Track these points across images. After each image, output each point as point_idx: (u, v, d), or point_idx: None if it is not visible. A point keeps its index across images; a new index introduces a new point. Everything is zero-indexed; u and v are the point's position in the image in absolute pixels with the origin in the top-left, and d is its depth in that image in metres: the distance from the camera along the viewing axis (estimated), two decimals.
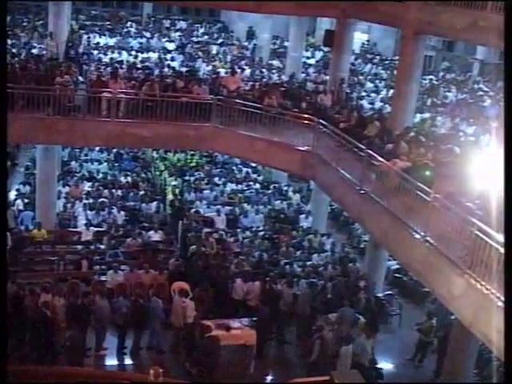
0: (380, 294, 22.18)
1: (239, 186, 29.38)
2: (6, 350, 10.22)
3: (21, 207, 25.26)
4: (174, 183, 28.76)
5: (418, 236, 14.11)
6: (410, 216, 14.71)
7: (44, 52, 30.01)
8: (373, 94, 33.27)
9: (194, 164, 31.65)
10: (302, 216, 27.23)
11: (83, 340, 17.65)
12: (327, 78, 28.69)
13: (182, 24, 45.74)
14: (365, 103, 30.32)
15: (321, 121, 20.09)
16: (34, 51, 32.47)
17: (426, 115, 28.69)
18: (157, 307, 18.33)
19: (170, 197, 27.50)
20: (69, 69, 23.47)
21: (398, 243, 15.42)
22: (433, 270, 13.59)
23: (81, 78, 25.30)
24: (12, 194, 27.12)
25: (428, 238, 13.71)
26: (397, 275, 24.24)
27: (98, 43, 36.81)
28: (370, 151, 17.17)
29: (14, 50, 31.99)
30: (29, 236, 23.08)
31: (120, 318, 18.21)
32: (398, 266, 23.96)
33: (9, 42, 35.51)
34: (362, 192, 16.78)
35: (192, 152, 31.33)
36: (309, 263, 23.07)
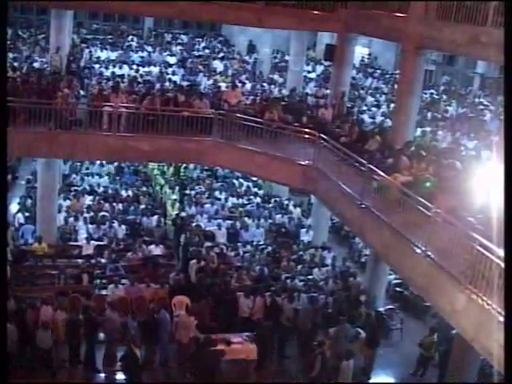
0: (381, 309, 22.15)
1: (240, 200, 29.36)
2: (6, 354, 10.20)
3: (21, 221, 25.22)
4: (174, 197, 28.78)
5: (419, 250, 14.07)
6: (411, 230, 14.67)
7: (46, 66, 30.15)
8: (374, 108, 33.39)
9: (184, 177, 31.72)
10: (303, 230, 27.20)
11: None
12: (328, 92, 28.75)
13: (183, 38, 45.98)
14: (366, 117, 30.41)
15: (322, 135, 20.09)
16: (36, 65, 32.63)
17: (427, 129, 28.74)
18: (164, 320, 18.24)
19: (170, 211, 27.49)
20: (70, 83, 23.52)
21: (399, 258, 15.37)
22: (434, 284, 13.56)
23: (82, 92, 25.36)
24: (13, 208, 27.15)
25: (429, 253, 13.66)
26: (398, 289, 24.22)
27: (99, 57, 37.00)
28: (371, 165, 17.15)
29: (15, 64, 32.12)
30: (29, 250, 23.09)
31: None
32: (398, 281, 23.94)
33: (10, 55, 35.71)
34: (363, 206, 16.75)
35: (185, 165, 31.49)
36: (310, 277, 23.04)
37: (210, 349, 16.91)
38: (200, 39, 46.47)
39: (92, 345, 18.17)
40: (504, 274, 9.62)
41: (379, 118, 31.12)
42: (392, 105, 31.13)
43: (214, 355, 16.96)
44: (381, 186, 16.71)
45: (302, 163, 20.46)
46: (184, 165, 31.30)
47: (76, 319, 17.84)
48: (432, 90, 39.37)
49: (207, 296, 19.75)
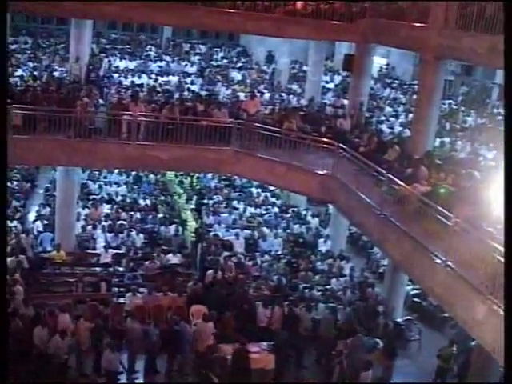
0: (399, 319, 22.04)
1: (258, 210, 29.37)
2: (7, 353, 10.21)
3: (40, 228, 25.36)
4: (192, 206, 28.83)
5: (438, 260, 14.01)
6: (431, 240, 14.61)
7: (65, 75, 30.34)
8: (392, 119, 33.30)
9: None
10: (321, 240, 27.17)
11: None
12: (346, 102, 28.72)
13: (202, 48, 46.11)
14: (384, 127, 30.34)
15: (340, 145, 20.07)
16: (56, 74, 32.83)
17: (446, 139, 28.65)
18: (184, 330, 18.24)
19: (188, 220, 27.52)
20: (90, 91, 23.64)
21: (418, 268, 15.29)
22: (454, 295, 13.49)
23: (101, 101, 25.47)
24: (31, 216, 27.29)
25: (449, 263, 13.60)
26: (416, 300, 24.08)
27: (118, 66, 37.19)
28: (390, 175, 17.11)
29: (35, 73, 32.38)
30: (48, 257, 23.16)
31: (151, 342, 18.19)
32: (417, 291, 23.83)
33: (31, 64, 36.07)
34: (382, 216, 16.70)
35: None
36: (328, 288, 22.98)
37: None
38: (218, 49, 46.62)
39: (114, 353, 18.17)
40: (504, 274, 9.58)
41: (398, 128, 31.06)
42: (410, 115, 31.08)
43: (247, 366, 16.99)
44: (400, 196, 16.66)
45: (321, 173, 20.43)
46: (197, 174, 31.40)
47: (97, 327, 17.82)
48: (450, 101, 39.24)
49: (225, 305, 19.72)
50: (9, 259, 21.56)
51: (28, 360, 17.17)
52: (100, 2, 23.17)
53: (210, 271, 22.35)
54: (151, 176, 32.54)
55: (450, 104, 38.28)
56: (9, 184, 29.97)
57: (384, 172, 17.44)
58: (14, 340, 16.84)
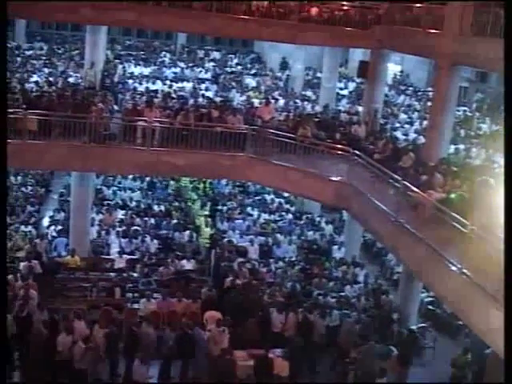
0: (413, 327, 21.93)
1: (272, 216, 29.37)
2: (6, 353, 10.24)
3: (54, 234, 25.42)
4: (206, 212, 28.86)
5: (454, 268, 13.94)
6: (446, 247, 14.56)
7: (80, 81, 30.47)
8: (406, 125, 33.25)
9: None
10: (335, 247, 27.14)
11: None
12: (360, 108, 28.71)
13: (216, 54, 46.19)
14: (399, 134, 30.28)
15: (355, 151, 20.06)
16: (71, 80, 32.98)
17: (461, 146, 28.57)
18: (199, 336, 18.24)
19: (202, 226, 27.55)
20: (104, 97, 23.74)
21: (433, 275, 15.23)
22: (469, 302, 13.41)
23: (116, 107, 25.57)
24: (46, 221, 27.38)
25: (464, 270, 13.54)
26: (430, 308, 24.01)
27: (132, 73, 37.28)
28: (405, 182, 17.07)
29: (51, 79, 32.52)
30: (62, 262, 23.23)
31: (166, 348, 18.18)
32: (431, 299, 23.76)
33: (46, 70, 36.26)
34: (397, 223, 16.66)
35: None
36: (342, 294, 22.93)
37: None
38: (232, 55, 46.69)
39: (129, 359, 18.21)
40: (504, 274, 9.55)
41: (412, 135, 30.99)
42: (425, 122, 30.99)
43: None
44: (415, 203, 16.62)
45: (335, 179, 20.41)
46: (209, 180, 31.47)
47: (112, 333, 17.84)
48: (465, 107, 39.14)
49: (239, 311, 19.72)
50: (22, 264, 21.74)
51: (50, 367, 17.25)
52: (115, 9, 23.33)
53: (228, 278, 22.35)
54: (171, 182, 32.56)
55: (464, 111, 38.19)
56: (23, 189, 30.21)
57: (399, 179, 17.41)
58: (36, 347, 17.00)
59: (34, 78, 34.37)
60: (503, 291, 9.51)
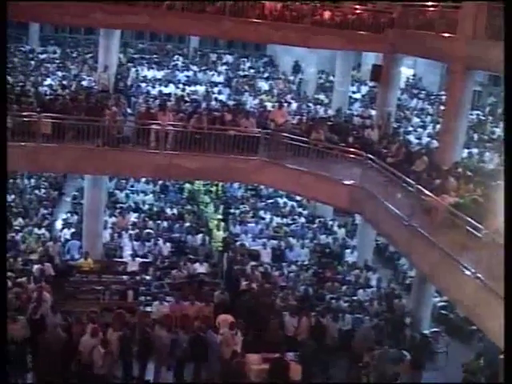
0: (426, 331, 21.87)
1: (284, 220, 29.35)
2: (6, 354, 10.28)
3: (67, 236, 25.47)
4: (219, 216, 28.87)
5: (468, 272, 13.90)
6: (460, 252, 14.52)
7: (94, 84, 30.56)
8: (419, 129, 33.19)
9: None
10: (348, 251, 27.10)
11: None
12: (373, 112, 28.66)
13: (229, 58, 46.16)
14: (412, 138, 30.24)
15: (368, 155, 20.05)
16: (84, 83, 33.08)
17: (474, 151, 28.51)
18: (212, 339, 18.24)
19: (215, 230, 27.56)
20: (118, 101, 23.80)
21: (447, 279, 15.19)
22: (484, 307, 13.36)
23: (129, 110, 25.62)
24: (59, 224, 27.45)
25: (478, 275, 13.49)
26: (443, 312, 23.93)
27: (145, 76, 37.36)
28: (418, 186, 17.04)
29: (64, 82, 32.64)
30: (75, 265, 23.30)
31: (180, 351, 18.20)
32: (444, 303, 23.69)
33: (59, 73, 36.39)
34: (411, 227, 16.62)
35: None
36: (354, 298, 22.90)
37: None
38: (245, 59, 46.68)
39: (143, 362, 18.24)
40: (504, 274, 9.47)
41: (425, 139, 30.93)
42: (438, 126, 30.93)
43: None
44: (429, 207, 16.58)
45: (348, 183, 20.42)
46: (222, 184, 31.49)
47: (125, 336, 17.85)
48: (478, 111, 39.01)
49: (252, 315, 19.71)
50: (36, 266, 21.81)
51: (70, 369, 17.29)
52: (129, 13, 23.42)
53: (242, 282, 22.35)
54: (187, 185, 32.63)
55: (477, 115, 38.07)
56: (37, 192, 30.31)
57: (412, 183, 17.38)
58: (53, 349, 17.01)
59: (48, 81, 34.53)
60: (504, 291, 9.45)
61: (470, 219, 14.44)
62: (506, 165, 9.25)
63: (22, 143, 19.94)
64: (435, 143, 27.14)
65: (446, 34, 21.45)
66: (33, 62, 40.20)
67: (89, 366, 16.93)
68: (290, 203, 30.97)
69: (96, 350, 16.83)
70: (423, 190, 16.89)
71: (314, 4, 26.15)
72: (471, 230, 14.19)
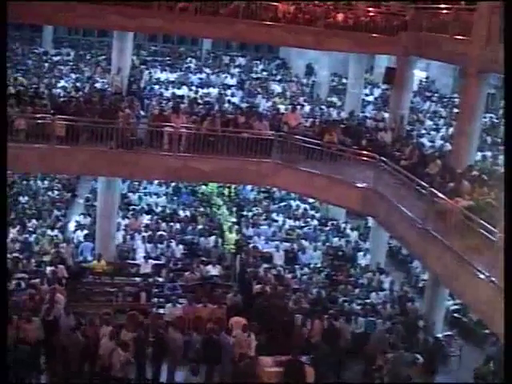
0: (439, 335, 21.81)
1: (297, 223, 29.32)
2: (6, 354, 10.33)
3: (80, 238, 25.53)
4: (231, 218, 28.88)
5: (482, 276, 13.87)
6: (474, 255, 14.48)
7: (107, 86, 30.65)
8: (432, 132, 33.12)
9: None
10: (360, 254, 27.06)
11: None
12: (386, 115, 28.63)
13: (241, 60, 46.28)
14: (425, 141, 30.17)
15: (381, 158, 20.03)
16: (98, 85, 33.18)
17: (487, 154, 28.43)
18: (225, 341, 18.24)
19: (227, 232, 27.57)
20: (131, 103, 23.85)
21: (461, 283, 15.15)
22: (498, 310, 13.30)
23: (142, 113, 25.67)
24: (72, 225, 27.52)
25: (493, 278, 13.46)
26: (456, 316, 23.85)
27: (158, 78, 37.47)
28: (432, 189, 17.00)
29: (78, 84, 32.76)
30: (88, 267, 23.35)
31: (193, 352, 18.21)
32: (457, 307, 23.62)
33: (73, 76, 36.54)
34: (424, 230, 16.59)
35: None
36: (367, 301, 22.86)
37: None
38: (258, 61, 46.75)
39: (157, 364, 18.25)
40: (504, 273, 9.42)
41: (438, 142, 30.86)
42: (451, 129, 30.87)
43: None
44: (442, 210, 16.53)
45: (361, 186, 20.41)
46: (234, 186, 31.51)
47: (140, 338, 17.87)
48: (492, 114, 38.90)
49: (265, 317, 19.71)
50: (49, 268, 21.88)
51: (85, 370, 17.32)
52: (143, 16, 23.49)
53: (255, 285, 22.36)
54: (203, 187, 32.66)
55: (491, 117, 37.97)
56: (50, 193, 30.39)
57: (426, 185, 17.35)
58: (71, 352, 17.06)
59: (62, 83, 34.66)
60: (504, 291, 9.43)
61: (484, 222, 14.40)
62: (506, 164, 9.21)
63: (36, 145, 20.05)
64: (448, 146, 27.06)
65: (460, 37, 21.40)
66: (46, 64, 40.41)
67: (106, 369, 16.93)
68: (302, 206, 30.94)
69: (115, 353, 16.83)
70: (437, 192, 16.86)
71: (327, 6, 26.13)
72: (485, 233, 14.15)
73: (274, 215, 29.74)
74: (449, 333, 22.49)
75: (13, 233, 24.95)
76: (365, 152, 21.18)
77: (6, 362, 10.63)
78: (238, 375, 17.80)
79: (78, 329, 17.61)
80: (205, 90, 35.85)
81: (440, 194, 16.77)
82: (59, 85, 33.94)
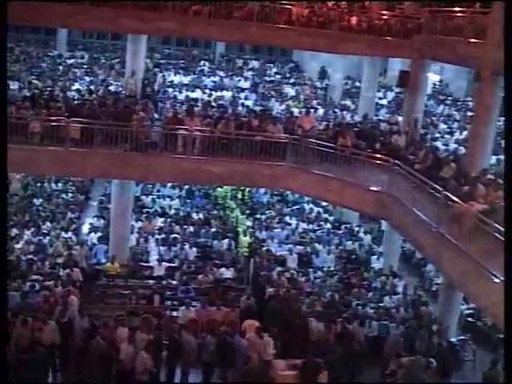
0: (453, 339, 21.72)
1: (310, 226, 29.31)
2: (6, 354, 10.34)
3: (94, 241, 25.62)
4: (245, 221, 28.89)
5: (497, 280, 13.81)
6: (489, 259, 14.43)
7: (121, 89, 30.73)
8: (446, 136, 33.04)
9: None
10: (374, 257, 27.01)
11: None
12: (400, 118, 28.56)
13: (255, 63, 46.32)
14: (439, 144, 30.10)
15: (395, 161, 19.99)
16: (111, 88, 33.28)
17: (502, 157, 28.27)
18: (239, 344, 18.23)
19: (241, 235, 27.59)
20: (145, 106, 23.90)
21: (475, 287, 15.10)
22: None
23: (156, 115, 25.72)
24: (85, 228, 27.60)
25: None
26: (469, 320, 23.75)
27: (172, 81, 37.56)
28: (446, 192, 16.96)
29: (92, 87, 32.86)
30: (102, 269, 23.41)
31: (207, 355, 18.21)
32: (471, 311, 23.53)
33: (87, 78, 36.68)
34: (438, 234, 16.54)
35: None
36: (381, 305, 22.80)
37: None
38: (271, 65, 46.78)
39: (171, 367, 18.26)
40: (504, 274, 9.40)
41: (453, 145, 30.78)
42: (465, 132, 30.76)
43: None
44: (457, 214, 16.48)
45: (375, 189, 20.38)
46: (247, 189, 31.51)
47: (155, 340, 17.86)
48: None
49: (278, 320, 19.69)
50: (63, 270, 21.95)
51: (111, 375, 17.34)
52: (157, 19, 23.55)
53: (269, 288, 22.35)
54: (219, 189, 32.68)
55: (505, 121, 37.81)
56: (64, 196, 30.52)
57: (440, 189, 17.30)
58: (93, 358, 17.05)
59: (76, 86, 34.79)
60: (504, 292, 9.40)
61: (499, 226, 14.34)
62: (506, 164, 9.18)
63: (51, 147, 20.12)
64: (462, 149, 26.97)
65: (475, 40, 21.34)
66: (61, 67, 40.58)
67: (129, 372, 16.91)
68: (316, 209, 30.94)
69: (139, 356, 16.82)
70: (451, 196, 16.81)
71: (341, 10, 26.13)
72: (500, 237, 14.09)
73: (287, 218, 29.76)
74: (463, 337, 22.37)
75: (27, 235, 25.11)
76: (378, 155, 21.16)
77: (6, 362, 10.61)
78: (251, 378, 17.81)
79: (95, 331, 17.59)
80: (218, 93, 35.93)
81: (454, 198, 16.71)
82: (73, 88, 34.08)
